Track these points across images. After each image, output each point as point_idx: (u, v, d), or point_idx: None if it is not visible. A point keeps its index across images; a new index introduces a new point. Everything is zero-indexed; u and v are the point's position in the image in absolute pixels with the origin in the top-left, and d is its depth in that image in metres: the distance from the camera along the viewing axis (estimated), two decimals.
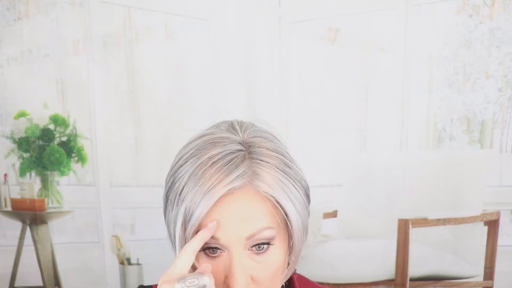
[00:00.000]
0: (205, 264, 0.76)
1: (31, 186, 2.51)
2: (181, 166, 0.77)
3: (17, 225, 2.55)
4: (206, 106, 2.70)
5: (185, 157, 0.77)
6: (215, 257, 0.77)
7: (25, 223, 2.54)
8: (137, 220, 2.76)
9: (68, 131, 2.54)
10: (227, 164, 0.74)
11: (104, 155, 2.63)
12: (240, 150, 0.76)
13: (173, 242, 0.80)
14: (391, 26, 2.55)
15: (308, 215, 0.82)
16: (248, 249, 0.76)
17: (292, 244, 0.80)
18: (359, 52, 2.65)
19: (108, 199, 2.65)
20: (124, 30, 2.66)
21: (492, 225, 2.41)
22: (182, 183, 0.76)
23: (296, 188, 0.77)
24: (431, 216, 2.33)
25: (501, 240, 2.43)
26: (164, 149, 2.68)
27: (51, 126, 2.52)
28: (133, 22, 2.66)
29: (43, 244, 2.54)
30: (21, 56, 2.54)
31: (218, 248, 0.76)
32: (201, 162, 0.75)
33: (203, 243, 0.75)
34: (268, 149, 0.77)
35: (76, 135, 2.54)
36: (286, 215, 0.77)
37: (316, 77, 2.67)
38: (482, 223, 2.41)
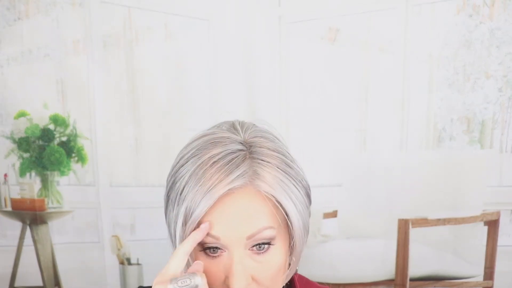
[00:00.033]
0: (197, 262, 0.76)
1: (31, 186, 2.51)
2: (182, 166, 0.77)
3: (17, 225, 2.55)
4: (206, 106, 2.70)
5: (186, 157, 0.77)
6: (215, 257, 0.77)
7: (25, 223, 2.54)
8: (137, 220, 2.76)
9: (68, 131, 2.54)
10: (228, 164, 0.74)
11: (104, 155, 2.63)
12: (241, 150, 0.76)
13: (173, 242, 0.80)
14: (391, 26, 2.55)
15: (309, 215, 0.82)
16: (249, 249, 0.76)
17: (293, 245, 0.80)
18: (359, 52, 2.65)
19: (108, 199, 2.65)
20: (124, 30, 2.66)
21: (492, 225, 2.41)
22: (183, 183, 0.76)
23: (297, 188, 0.77)
24: (431, 216, 2.33)
25: (501, 240, 2.42)
26: (164, 149, 2.68)
27: (51, 126, 2.52)
28: (133, 22, 2.66)
29: (43, 244, 2.54)
30: (21, 56, 2.54)
31: (219, 248, 0.76)
32: (202, 162, 0.75)
33: (195, 244, 0.76)
34: (269, 149, 0.77)
35: (76, 135, 2.54)
36: (287, 215, 0.77)
37: (316, 77, 2.67)
38: (482, 223, 2.41)
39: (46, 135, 2.50)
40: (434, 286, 2.43)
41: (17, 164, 2.51)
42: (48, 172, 2.52)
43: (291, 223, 0.77)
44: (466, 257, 2.44)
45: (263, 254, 0.77)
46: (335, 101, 2.67)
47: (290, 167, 0.78)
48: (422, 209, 2.42)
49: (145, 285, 0.91)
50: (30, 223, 2.52)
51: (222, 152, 0.75)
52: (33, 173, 2.53)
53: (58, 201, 2.57)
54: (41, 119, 2.50)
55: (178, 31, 2.74)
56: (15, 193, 2.53)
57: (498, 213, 2.41)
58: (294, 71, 2.71)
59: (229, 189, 0.73)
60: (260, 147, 0.77)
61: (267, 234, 0.76)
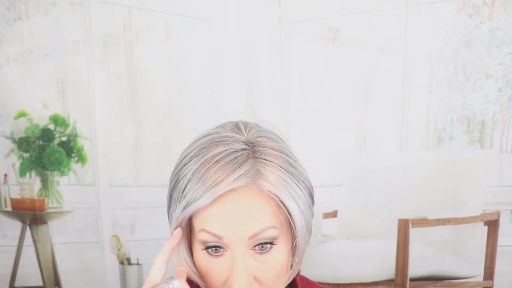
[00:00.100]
0: (179, 268, 0.78)
1: (31, 186, 2.51)
2: (185, 164, 0.77)
3: (17, 225, 2.55)
4: (206, 106, 2.70)
5: (189, 156, 0.77)
6: (217, 256, 0.77)
7: (25, 223, 2.54)
8: (137, 220, 2.76)
9: (68, 131, 2.54)
10: (231, 163, 0.74)
11: (104, 155, 2.63)
12: (244, 149, 0.76)
13: None
14: (391, 26, 2.55)
15: (312, 216, 0.82)
16: (251, 249, 0.76)
17: (296, 245, 0.80)
18: (359, 52, 2.65)
19: (108, 199, 2.65)
20: (124, 30, 2.66)
21: (492, 225, 2.41)
22: (185, 181, 0.76)
23: (300, 188, 0.77)
24: (431, 216, 2.33)
25: (501, 240, 2.43)
26: (164, 149, 2.68)
27: (51, 126, 2.52)
28: (133, 22, 2.66)
29: (43, 244, 2.54)
30: (21, 56, 2.54)
31: (221, 247, 0.76)
32: (205, 160, 0.75)
33: (171, 252, 0.78)
34: (272, 148, 0.77)
35: (76, 135, 2.54)
36: (290, 215, 0.76)
37: (316, 77, 2.67)
38: (482, 223, 2.41)
39: (46, 135, 2.50)
40: (434, 286, 2.43)
41: (17, 164, 2.51)
42: (48, 172, 2.52)
43: (293, 223, 0.77)
44: (466, 257, 2.44)
45: (266, 254, 0.76)
46: (335, 101, 2.67)
47: (293, 167, 0.78)
48: (422, 209, 2.41)
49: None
50: (30, 223, 2.52)
51: (225, 151, 0.75)
52: (33, 173, 2.53)
53: (58, 201, 2.57)
54: (41, 119, 2.50)
55: (178, 31, 2.74)
56: (15, 193, 2.53)
57: (498, 213, 2.41)
58: (294, 71, 2.71)
59: (231, 188, 0.73)
60: (263, 147, 0.77)
61: (269, 233, 0.75)
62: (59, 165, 2.50)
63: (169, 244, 0.78)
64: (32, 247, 2.53)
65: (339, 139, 2.69)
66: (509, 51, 2.34)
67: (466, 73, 2.42)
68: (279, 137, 0.81)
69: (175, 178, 0.78)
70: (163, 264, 0.77)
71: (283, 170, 0.76)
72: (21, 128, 2.47)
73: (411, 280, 2.35)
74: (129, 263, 2.60)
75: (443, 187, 2.44)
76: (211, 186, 0.73)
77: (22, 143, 2.48)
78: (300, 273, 0.89)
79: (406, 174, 2.54)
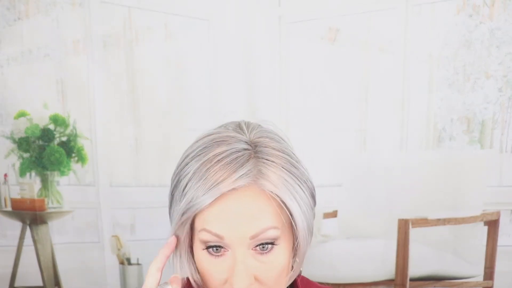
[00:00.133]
0: (174, 275, 0.79)
1: (31, 186, 2.51)
2: (187, 164, 0.77)
3: (17, 225, 2.55)
4: (206, 106, 2.70)
5: (191, 155, 0.77)
6: (218, 256, 0.77)
7: (25, 223, 2.54)
8: (137, 220, 2.76)
9: (68, 131, 2.54)
10: (232, 162, 0.74)
11: (104, 155, 2.63)
12: (246, 149, 0.76)
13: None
14: (391, 26, 2.55)
15: (314, 217, 0.82)
16: (252, 249, 0.76)
17: (297, 246, 0.80)
18: (359, 52, 2.65)
19: (108, 199, 2.65)
20: (124, 30, 2.66)
21: (492, 225, 2.41)
22: (186, 180, 0.76)
23: (301, 188, 0.77)
24: (431, 216, 2.33)
25: (501, 240, 2.43)
26: (164, 149, 2.68)
27: (51, 126, 2.52)
28: (133, 22, 2.66)
29: (43, 244, 2.54)
30: (21, 56, 2.54)
31: (222, 247, 0.76)
32: (206, 160, 0.75)
33: (166, 260, 0.79)
34: (274, 149, 0.77)
35: (76, 135, 2.54)
36: (291, 215, 0.76)
37: (316, 77, 2.67)
38: (482, 223, 2.41)
39: (46, 135, 2.50)
40: (434, 286, 2.43)
41: (17, 164, 2.51)
42: (48, 172, 2.52)
43: (295, 223, 0.77)
44: (466, 257, 2.44)
45: (267, 254, 0.76)
46: (335, 101, 2.67)
47: (295, 168, 0.77)
48: (422, 209, 2.41)
49: None
50: (30, 223, 2.52)
51: (227, 150, 0.75)
52: (33, 173, 2.53)
53: (58, 201, 2.57)
54: (41, 119, 2.50)
55: (178, 31, 2.74)
56: (15, 193, 2.53)
57: (498, 213, 2.41)
58: (294, 71, 2.71)
59: (233, 188, 0.73)
60: (265, 147, 0.77)
61: (270, 234, 0.75)
62: (59, 165, 2.50)
63: (164, 251, 0.79)
64: (32, 247, 2.53)
65: (339, 139, 2.69)
66: (509, 51, 2.34)
67: (466, 73, 2.42)
68: (281, 138, 0.81)
69: (177, 178, 0.78)
70: (158, 271, 0.78)
71: (285, 171, 0.76)
72: (21, 128, 2.47)
73: (411, 280, 2.35)
74: (129, 263, 2.60)
75: (443, 187, 2.44)
76: (213, 185, 0.73)
77: (22, 143, 2.48)
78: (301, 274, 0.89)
79: (406, 174, 2.54)
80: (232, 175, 0.73)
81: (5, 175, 2.52)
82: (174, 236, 0.79)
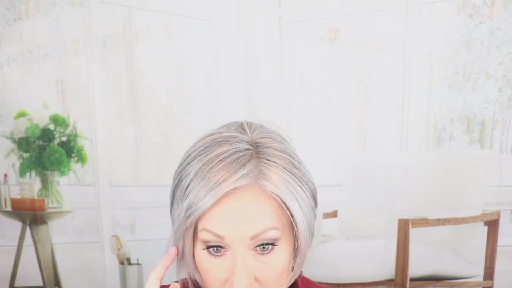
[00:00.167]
0: (173, 284, 0.78)
1: (31, 186, 2.51)
2: (189, 163, 0.77)
3: (17, 225, 2.55)
4: (206, 106, 2.70)
5: (192, 155, 0.77)
6: (218, 256, 0.77)
7: (25, 223, 2.54)
8: (137, 220, 2.76)
9: (68, 131, 2.54)
10: (234, 162, 0.74)
11: (104, 155, 2.63)
12: (247, 149, 0.76)
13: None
14: (391, 26, 2.55)
15: (315, 218, 0.82)
16: (252, 249, 0.76)
17: (298, 246, 0.80)
18: (359, 52, 2.65)
19: (108, 199, 2.65)
20: (124, 30, 2.66)
21: (492, 225, 2.41)
22: (188, 180, 0.76)
23: (302, 190, 0.77)
24: (431, 216, 2.33)
25: (501, 240, 2.43)
26: (164, 149, 2.68)
27: (51, 126, 2.52)
28: (133, 22, 2.66)
29: (43, 244, 2.54)
30: (21, 56, 2.54)
31: (222, 247, 0.76)
32: (208, 160, 0.75)
33: (165, 270, 0.79)
34: (276, 149, 0.77)
35: (76, 135, 2.54)
36: (292, 216, 0.76)
37: (316, 77, 2.67)
38: (482, 223, 2.41)
39: (46, 135, 2.50)
40: (434, 286, 2.43)
41: (17, 164, 2.51)
42: (48, 172, 2.52)
43: (295, 224, 0.77)
44: (466, 257, 2.44)
45: (267, 255, 0.76)
46: (335, 101, 2.67)
47: (297, 168, 0.77)
48: (422, 209, 2.41)
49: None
50: (30, 223, 2.52)
51: (228, 150, 0.75)
52: (33, 173, 2.53)
53: (58, 201, 2.57)
54: (41, 119, 2.50)
55: (178, 31, 2.74)
56: (15, 193, 2.53)
57: (498, 213, 2.41)
58: (294, 71, 2.71)
59: (234, 188, 0.73)
60: (267, 147, 0.77)
61: (271, 234, 0.75)
62: (59, 165, 2.50)
63: (164, 262, 0.79)
64: (32, 247, 2.52)
65: (339, 139, 2.69)
66: (509, 51, 2.34)
67: (466, 73, 2.42)
68: (283, 138, 0.81)
69: (178, 177, 0.78)
70: (157, 281, 0.78)
71: (286, 171, 0.76)
72: (21, 128, 2.47)
73: (411, 280, 2.35)
74: (129, 263, 2.60)
75: (443, 187, 2.44)
76: (214, 186, 0.73)
77: (22, 143, 2.48)
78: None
79: (406, 174, 2.54)
80: (233, 175, 0.73)
81: (5, 175, 2.52)
82: (175, 247, 0.79)
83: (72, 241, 2.63)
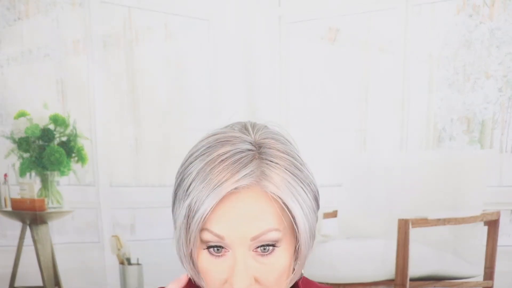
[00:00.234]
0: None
1: (31, 186, 2.51)
2: (191, 163, 0.77)
3: (17, 225, 2.55)
4: (206, 106, 2.70)
5: (195, 155, 0.77)
6: (219, 256, 0.76)
7: (25, 223, 2.54)
8: (137, 220, 2.76)
9: (68, 131, 2.54)
10: (236, 163, 0.74)
11: (104, 155, 2.63)
12: (250, 149, 0.75)
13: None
14: (391, 26, 2.55)
15: (316, 220, 0.81)
16: (253, 250, 0.76)
17: (299, 248, 0.79)
18: (359, 52, 2.65)
19: (108, 199, 2.65)
20: (124, 30, 2.66)
21: (492, 225, 2.41)
22: (190, 179, 0.75)
23: (304, 191, 0.77)
24: (431, 216, 2.33)
25: (501, 240, 2.43)
26: (164, 149, 2.68)
27: (51, 126, 2.52)
28: (133, 22, 2.66)
29: (43, 244, 2.54)
30: (21, 56, 2.54)
31: (222, 247, 0.76)
32: (210, 159, 0.75)
33: None
34: (278, 150, 0.77)
35: (76, 135, 2.54)
36: (293, 218, 0.76)
37: (316, 77, 2.67)
38: (482, 223, 2.41)
39: (46, 135, 2.50)
40: (434, 286, 2.43)
41: (17, 164, 2.51)
42: (48, 172, 2.52)
43: (297, 226, 0.76)
44: (466, 257, 2.44)
45: (268, 256, 0.76)
46: (335, 101, 2.67)
47: (299, 170, 0.77)
48: (422, 209, 2.42)
49: (145, 286, 0.92)
50: (30, 223, 2.52)
51: (231, 150, 0.75)
52: (33, 173, 2.53)
53: (58, 201, 2.57)
54: (41, 119, 2.50)
55: (178, 31, 2.74)
56: (15, 193, 2.53)
57: (498, 213, 2.41)
58: (294, 71, 2.71)
59: (235, 188, 0.73)
60: (270, 148, 0.76)
61: (272, 236, 0.75)
62: (59, 165, 2.50)
63: (174, 286, 0.79)
64: (32, 247, 2.53)
65: (339, 139, 2.69)
66: (509, 51, 2.34)
67: (466, 73, 2.42)
68: (287, 139, 0.81)
69: (180, 176, 0.78)
70: None
71: (288, 173, 0.75)
72: (21, 128, 2.47)
73: (411, 280, 2.35)
74: (129, 263, 2.60)
75: (443, 187, 2.44)
76: (216, 186, 0.73)
77: (22, 143, 2.48)
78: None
79: (406, 174, 2.54)
80: (235, 175, 0.73)
81: (5, 175, 2.52)
82: (186, 274, 0.79)
83: (72, 241, 2.63)
